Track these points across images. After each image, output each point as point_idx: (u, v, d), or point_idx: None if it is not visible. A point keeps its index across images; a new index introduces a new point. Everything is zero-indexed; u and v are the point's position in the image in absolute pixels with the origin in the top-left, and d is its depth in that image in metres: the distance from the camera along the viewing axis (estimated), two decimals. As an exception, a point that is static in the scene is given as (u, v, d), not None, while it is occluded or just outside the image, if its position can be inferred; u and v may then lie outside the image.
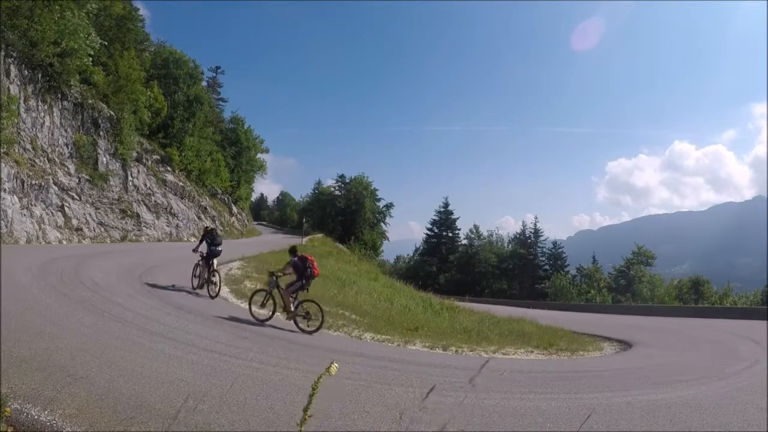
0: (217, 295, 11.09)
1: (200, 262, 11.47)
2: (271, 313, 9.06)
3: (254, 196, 69.76)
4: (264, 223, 66.83)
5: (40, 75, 19.68)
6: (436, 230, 60.13)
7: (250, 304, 9.27)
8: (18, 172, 16.88)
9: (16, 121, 17.85)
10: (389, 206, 60.93)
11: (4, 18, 17.69)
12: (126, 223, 24.56)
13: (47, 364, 4.40)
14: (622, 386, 6.88)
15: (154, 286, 11.26)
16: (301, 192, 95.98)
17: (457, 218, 60.32)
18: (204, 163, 36.96)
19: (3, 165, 15.95)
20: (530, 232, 57.68)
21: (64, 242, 18.43)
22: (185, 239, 29.11)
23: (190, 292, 11.16)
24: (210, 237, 11.57)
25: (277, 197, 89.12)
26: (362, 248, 49.47)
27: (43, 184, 18.32)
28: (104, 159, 23.93)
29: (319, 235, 44.94)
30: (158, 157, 31.21)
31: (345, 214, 56.14)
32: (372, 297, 15.78)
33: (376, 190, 59.03)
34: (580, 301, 41.27)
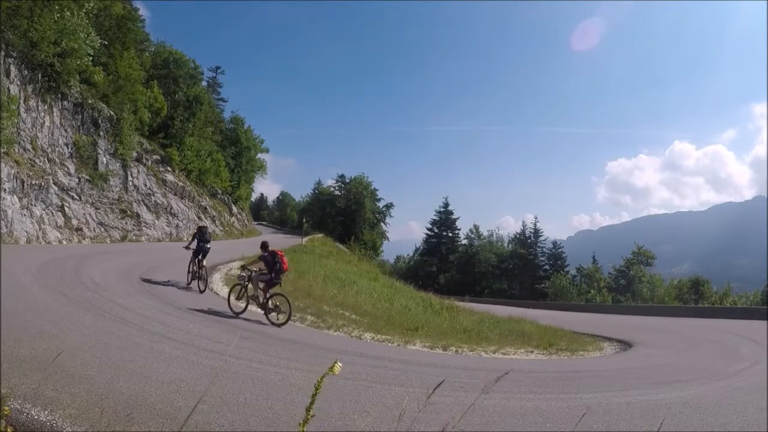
0: (205, 289, 11.46)
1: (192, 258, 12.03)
2: (245, 306, 9.40)
3: (254, 196, 69.85)
4: (264, 223, 66.82)
5: (40, 75, 19.67)
6: (436, 230, 60.16)
7: (228, 297, 9.68)
8: (18, 172, 16.88)
9: (16, 121, 17.84)
10: (389, 206, 61.01)
11: (4, 18, 17.69)
12: (126, 223, 24.56)
13: (47, 364, 4.40)
14: (622, 386, 6.89)
15: (149, 281, 11.62)
16: (301, 192, 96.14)
17: (457, 218, 60.45)
18: (204, 163, 36.95)
19: (3, 165, 15.95)
20: (530, 232, 57.74)
21: (64, 242, 18.43)
22: (185, 239, 29.10)
23: (182, 287, 11.56)
24: (199, 234, 12.07)
25: (277, 197, 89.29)
26: (362, 248, 49.44)
27: (43, 184, 18.32)
28: (104, 159, 23.92)
29: (319, 235, 44.94)
30: (158, 157, 31.20)
31: (345, 214, 56.14)
32: (372, 297, 15.79)
33: (376, 190, 59.12)
34: (580, 301, 41.30)
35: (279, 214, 78.22)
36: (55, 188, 19.26)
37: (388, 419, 4.06)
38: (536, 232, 57.49)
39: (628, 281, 45.43)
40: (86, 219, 21.04)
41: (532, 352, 10.38)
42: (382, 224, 60.80)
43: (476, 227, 61.93)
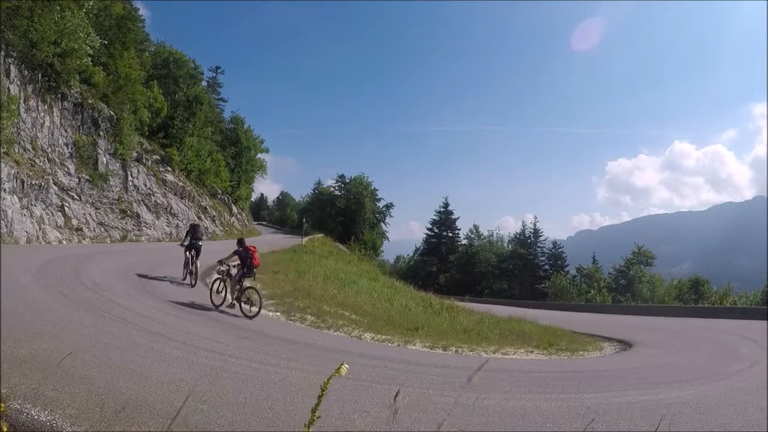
0: (196, 284, 11.96)
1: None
2: (224, 298, 9.88)
3: (254, 196, 69.85)
4: (264, 223, 66.82)
5: (40, 75, 19.67)
6: (436, 230, 60.15)
7: (210, 291, 10.10)
8: (18, 172, 16.88)
9: (16, 121, 17.84)
10: (389, 206, 61.01)
11: (4, 18, 17.69)
12: (126, 223, 24.56)
13: (47, 364, 4.39)
14: (622, 386, 6.88)
15: (145, 276, 12.04)
16: (301, 192, 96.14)
17: (457, 218, 60.43)
18: (204, 163, 36.94)
19: (3, 165, 15.95)
20: (530, 232, 57.73)
21: (64, 242, 18.43)
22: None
23: (176, 282, 12.12)
24: (192, 231, 12.70)
25: (277, 197, 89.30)
26: (362, 248, 49.42)
27: (43, 184, 18.32)
28: (104, 159, 23.92)
29: (319, 235, 44.94)
30: (158, 157, 31.20)
31: (345, 214, 56.12)
32: (372, 297, 15.79)
33: (376, 190, 59.10)
34: (580, 301, 41.29)
35: (279, 214, 78.22)
36: (55, 188, 19.26)
37: (388, 419, 4.06)
38: (536, 232, 57.51)
39: (628, 281, 45.42)
40: (86, 219, 21.04)
41: (532, 352, 10.38)
42: (382, 224, 60.82)
43: (476, 227, 62.01)
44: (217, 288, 10.03)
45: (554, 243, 57.85)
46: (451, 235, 60.15)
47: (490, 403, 4.96)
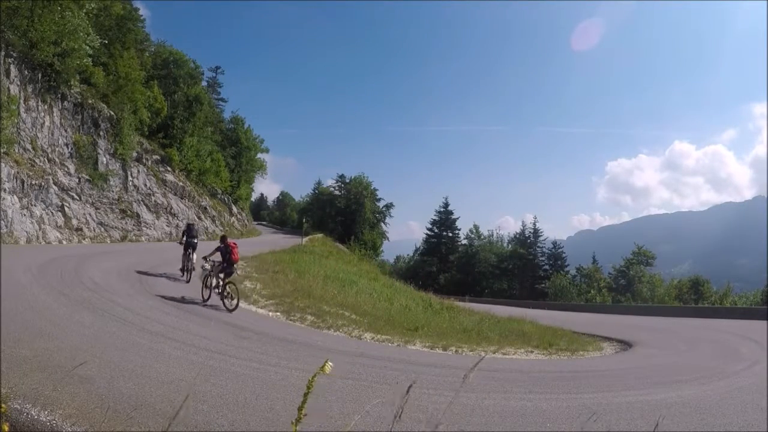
0: (190, 280, 12.52)
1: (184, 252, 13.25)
2: (209, 292, 10.41)
3: (254, 196, 69.79)
4: (264, 223, 66.75)
5: (40, 75, 19.66)
6: (436, 230, 60.11)
7: (202, 286, 10.64)
8: (18, 172, 16.88)
9: (16, 121, 17.84)
10: (389, 206, 60.89)
11: (4, 18, 17.69)
12: (126, 223, 24.55)
13: (47, 364, 4.40)
14: (622, 386, 6.88)
15: (146, 273, 12.48)
16: (301, 192, 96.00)
17: (457, 218, 60.34)
18: (204, 163, 36.92)
19: (3, 165, 15.95)
20: (530, 232, 57.67)
21: (64, 242, 18.43)
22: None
23: (173, 278, 12.66)
24: (187, 230, 13.44)
25: (277, 197, 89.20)
26: (362, 248, 49.37)
27: (43, 184, 18.32)
28: (104, 159, 23.92)
29: (319, 235, 44.89)
30: (158, 157, 31.19)
31: (345, 214, 56.08)
32: (372, 297, 15.80)
33: (376, 190, 59.00)
34: (580, 301, 41.25)
35: (279, 214, 78.14)
36: (55, 188, 19.26)
37: (388, 419, 4.06)
38: (536, 232, 57.46)
39: (628, 281, 45.38)
40: (86, 219, 21.04)
41: (532, 352, 10.38)
42: (382, 224, 60.72)
43: (476, 227, 61.92)
44: (206, 283, 10.56)
45: (554, 243, 57.80)
46: (451, 235, 60.11)
47: (490, 403, 4.96)
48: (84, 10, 20.40)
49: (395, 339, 9.72)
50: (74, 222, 19.93)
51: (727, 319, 20.65)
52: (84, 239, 20.08)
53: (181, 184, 32.55)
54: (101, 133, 24.01)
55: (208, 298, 10.32)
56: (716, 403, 5.86)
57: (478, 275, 55.15)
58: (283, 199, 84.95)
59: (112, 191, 24.13)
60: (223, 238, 10.92)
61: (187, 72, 36.85)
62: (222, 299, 9.98)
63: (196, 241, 13.24)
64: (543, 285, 51.00)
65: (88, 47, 20.63)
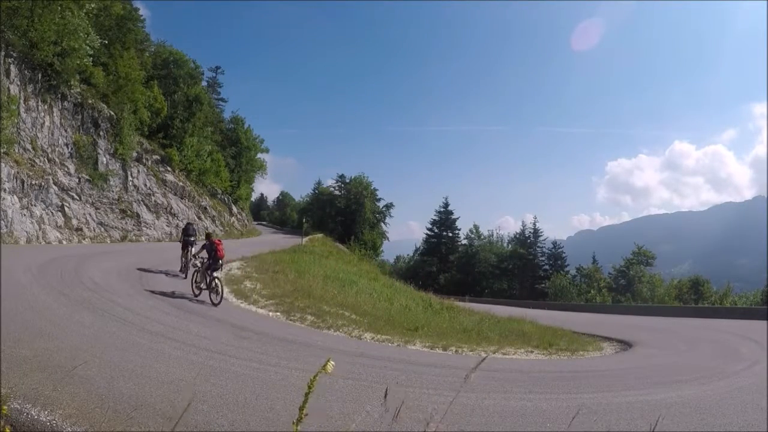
0: (186, 276, 13.01)
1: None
2: (200, 290, 10.83)
3: (254, 196, 69.76)
4: (264, 223, 66.75)
5: (40, 75, 19.66)
6: (436, 230, 60.10)
7: (192, 283, 11.07)
8: (18, 172, 16.88)
9: (16, 121, 17.84)
10: (389, 206, 60.86)
11: (4, 18, 17.69)
12: (126, 223, 24.55)
13: (47, 364, 4.40)
14: (622, 386, 6.88)
15: (148, 270, 12.90)
16: (301, 192, 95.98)
17: (457, 218, 60.30)
18: (204, 163, 36.91)
19: (3, 165, 15.95)
20: (530, 232, 57.64)
21: (64, 242, 18.43)
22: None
23: (171, 274, 13.25)
24: (185, 230, 14.18)
25: (277, 197, 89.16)
26: (362, 248, 49.37)
27: (43, 184, 18.32)
28: (104, 159, 23.92)
29: (319, 235, 44.88)
30: (158, 157, 31.18)
31: (345, 214, 56.07)
32: (372, 297, 15.79)
33: (376, 190, 58.97)
34: (580, 301, 41.24)
35: (279, 214, 78.11)
36: (55, 188, 19.26)
37: (388, 419, 4.06)
38: (536, 232, 57.44)
39: (628, 281, 45.37)
40: (86, 219, 21.04)
41: (532, 352, 10.37)
42: (382, 224, 60.69)
43: (476, 227, 61.89)
44: (196, 279, 11.04)
45: (554, 243, 57.77)
46: (451, 235, 60.10)
47: (490, 403, 4.97)
48: (84, 10, 20.40)
49: (395, 339, 9.72)
50: (74, 222, 19.93)
51: (727, 319, 20.65)
52: (84, 239, 20.08)
53: (181, 184, 32.55)
54: (101, 133, 24.01)
55: (198, 294, 10.77)
56: (716, 403, 5.86)
57: (478, 275, 55.14)
58: (283, 199, 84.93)
59: (112, 191, 24.13)
60: (208, 236, 11.76)
61: (187, 72, 36.84)
62: (209, 294, 10.50)
63: (193, 239, 13.94)
64: (543, 285, 50.99)
65: (88, 47, 20.64)
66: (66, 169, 20.91)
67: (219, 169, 39.73)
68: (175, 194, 31.34)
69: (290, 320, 10.44)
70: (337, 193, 59.00)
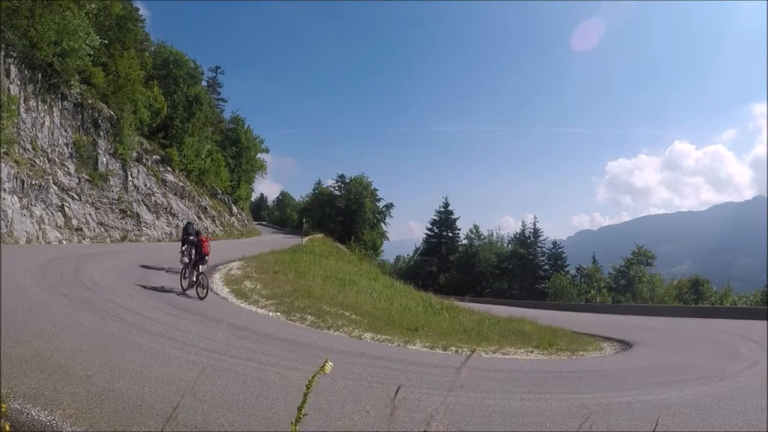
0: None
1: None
2: (188, 285, 11.14)
3: (254, 196, 69.73)
4: (264, 223, 66.75)
5: (40, 75, 19.67)
6: (436, 230, 60.09)
7: (180, 278, 11.51)
8: (18, 172, 16.88)
9: (16, 121, 17.85)
10: (389, 206, 60.80)
11: (4, 18, 17.69)
12: (126, 223, 24.55)
13: (47, 364, 4.39)
14: (622, 386, 6.88)
15: (150, 268, 13.29)
16: (301, 192, 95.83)
17: (457, 218, 60.29)
18: (204, 163, 36.91)
19: (3, 165, 15.95)
20: (530, 232, 57.64)
21: (64, 242, 18.43)
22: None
23: (172, 271, 13.53)
24: (185, 229, 14.19)
25: (277, 197, 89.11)
26: (362, 248, 49.34)
27: (43, 184, 18.32)
28: (104, 159, 23.92)
29: (319, 235, 44.88)
30: (158, 157, 31.18)
31: (345, 214, 56.04)
32: (372, 297, 15.78)
33: (376, 190, 58.91)
34: (580, 301, 41.24)
35: (279, 214, 78.08)
36: (55, 188, 19.26)
37: (388, 420, 4.06)
38: (536, 232, 57.43)
39: (628, 281, 45.35)
40: (86, 219, 21.04)
41: (532, 352, 10.37)
42: (382, 224, 60.66)
43: (476, 227, 61.86)
44: (184, 274, 11.47)
45: (554, 243, 57.75)
46: (451, 235, 60.09)
47: (490, 403, 4.96)
48: (84, 10, 20.43)
49: (395, 339, 9.71)
50: (74, 222, 19.93)
51: (727, 319, 20.65)
52: (84, 239, 20.07)
53: (181, 184, 32.54)
54: (101, 133, 24.01)
55: (187, 288, 11.12)
56: (716, 403, 5.86)
57: (478, 275, 55.13)
58: (283, 199, 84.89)
59: (112, 191, 24.13)
60: (197, 233, 12.31)
61: (187, 72, 36.82)
62: (195, 288, 10.90)
63: (191, 238, 13.94)
64: (543, 285, 50.97)
65: (88, 47, 20.66)
66: (66, 169, 20.91)
67: (219, 169, 39.73)
68: (175, 194, 31.34)
69: (290, 320, 10.44)
70: (337, 193, 58.96)
